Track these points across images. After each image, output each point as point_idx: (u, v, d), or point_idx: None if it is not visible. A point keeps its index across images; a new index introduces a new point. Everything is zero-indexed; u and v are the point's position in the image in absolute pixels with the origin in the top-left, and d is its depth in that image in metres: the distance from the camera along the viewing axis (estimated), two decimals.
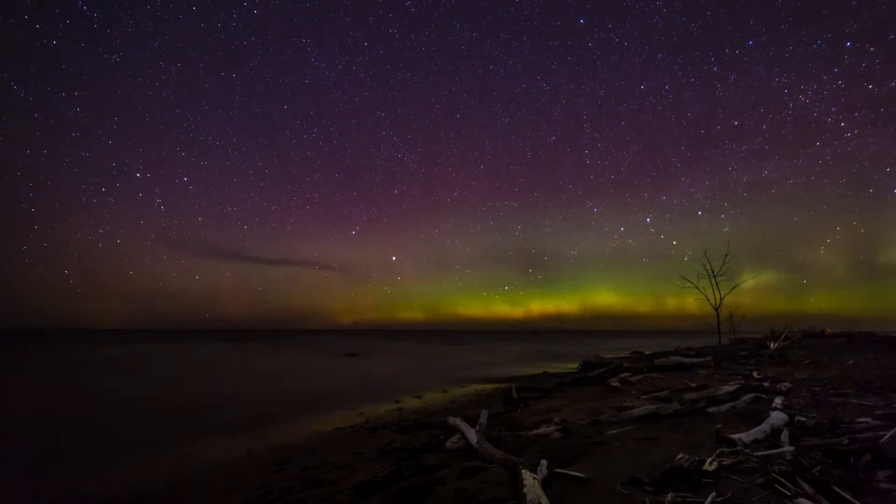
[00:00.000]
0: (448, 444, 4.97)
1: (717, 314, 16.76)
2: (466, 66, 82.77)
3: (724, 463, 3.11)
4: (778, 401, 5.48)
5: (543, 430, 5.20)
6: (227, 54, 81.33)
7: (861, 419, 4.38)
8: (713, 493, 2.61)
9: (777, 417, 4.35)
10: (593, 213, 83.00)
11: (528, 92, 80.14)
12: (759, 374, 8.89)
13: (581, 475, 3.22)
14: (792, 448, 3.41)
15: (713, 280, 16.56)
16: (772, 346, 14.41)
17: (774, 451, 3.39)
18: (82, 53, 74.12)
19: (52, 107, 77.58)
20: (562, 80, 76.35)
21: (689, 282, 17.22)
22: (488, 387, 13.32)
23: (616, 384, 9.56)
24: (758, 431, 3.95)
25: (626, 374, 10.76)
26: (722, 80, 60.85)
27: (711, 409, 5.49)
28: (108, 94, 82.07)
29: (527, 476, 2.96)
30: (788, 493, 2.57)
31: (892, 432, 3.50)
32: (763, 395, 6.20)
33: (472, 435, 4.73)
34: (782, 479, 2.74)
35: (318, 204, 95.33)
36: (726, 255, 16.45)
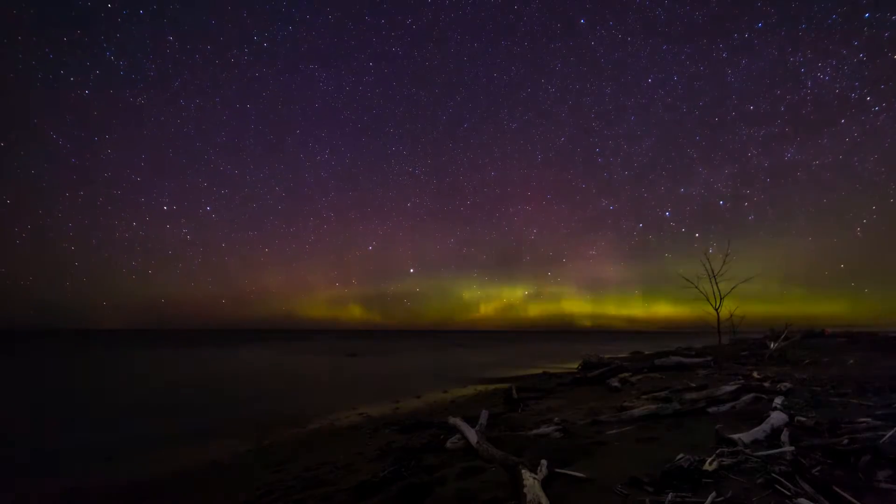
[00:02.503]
0: (448, 444, 4.96)
1: (717, 314, 16.78)
2: (470, 76, 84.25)
3: (724, 463, 3.11)
4: (778, 401, 5.48)
5: (543, 430, 5.20)
6: (240, 87, 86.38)
7: (861, 419, 4.38)
8: (713, 493, 2.61)
9: (777, 417, 4.35)
10: (609, 210, 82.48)
11: (534, 95, 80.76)
12: (759, 374, 8.88)
13: (581, 475, 3.22)
14: (792, 448, 3.41)
15: (713, 280, 16.58)
16: (772, 346, 14.39)
17: (774, 451, 3.39)
18: (111, 99, 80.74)
19: (86, 151, 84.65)
20: (566, 81, 76.75)
21: (690, 282, 17.24)
22: (488, 387, 13.32)
23: (616, 384, 9.55)
24: (758, 431, 3.95)
25: (626, 374, 10.75)
26: (732, 65, 59.93)
27: (711, 409, 5.49)
28: (135, 134, 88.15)
29: (527, 476, 2.96)
30: (788, 493, 2.57)
31: (892, 432, 3.50)
32: (763, 395, 6.19)
33: (472, 435, 4.73)
34: (782, 479, 2.74)
35: (335, 222, 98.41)
36: (726, 255, 16.48)
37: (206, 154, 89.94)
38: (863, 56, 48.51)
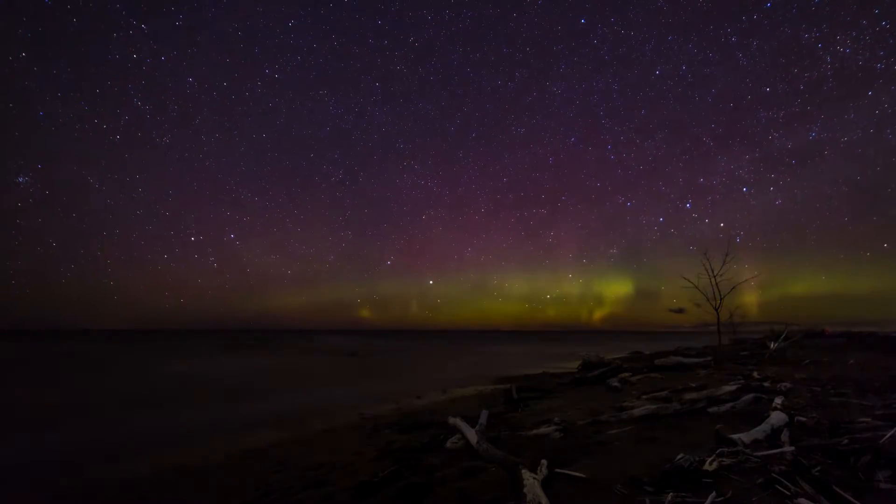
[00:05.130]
0: (448, 444, 4.97)
1: (717, 314, 16.76)
2: (475, 86, 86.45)
3: (724, 463, 3.11)
4: (778, 401, 5.48)
5: (543, 430, 5.20)
6: (255, 118, 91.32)
7: (861, 419, 4.38)
8: (713, 493, 2.61)
9: (777, 417, 4.35)
10: (627, 207, 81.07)
11: (540, 99, 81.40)
12: (759, 374, 8.89)
13: (581, 475, 3.22)
14: (792, 448, 3.41)
15: (713, 280, 16.57)
16: (772, 346, 14.40)
17: (774, 451, 3.39)
18: (139, 141, 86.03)
19: (120, 192, 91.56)
20: (572, 82, 77.10)
21: (689, 282, 17.23)
22: (488, 387, 13.31)
23: (616, 384, 9.55)
24: (758, 431, 3.94)
25: (626, 374, 10.75)
26: (743, 48, 57.38)
27: (711, 409, 5.49)
28: (162, 172, 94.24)
29: (527, 476, 2.96)
30: (788, 493, 2.57)
31: (892, 432, 3.49)
32: (763, 395, 6.19)
33: (472, 435, 4.73)
34: (782, 479, 2.74)
35: (352, 240, 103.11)
36: (727, 255, 16.46)
37: (227, 184, 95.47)
38: (885, 24, 45.74)
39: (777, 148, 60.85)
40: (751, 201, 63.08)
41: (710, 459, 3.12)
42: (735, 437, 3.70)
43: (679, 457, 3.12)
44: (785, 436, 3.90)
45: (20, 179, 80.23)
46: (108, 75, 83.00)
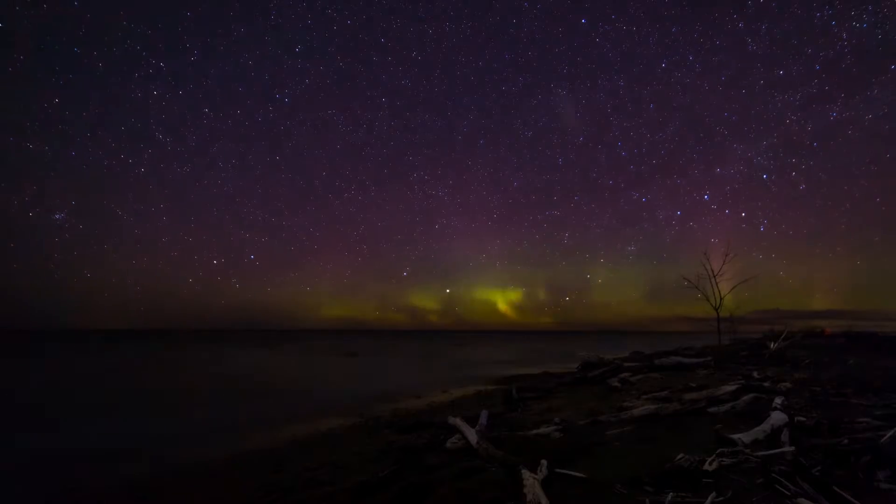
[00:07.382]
0: (448, 444, 4.96)
1: (718, 314, 16.76)
2: (479, 94, 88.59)
3: (724, 463, 3.12)
4: (778, 401, 5.48)
5: (543, 430, 5.20)
6: (269, 142, 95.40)
7: (861, 419, 4.38)
8: (713, 493, 2.61)
9: (777, 417, 4.35)
10: (642, 203, 79.53)
11: (545, 101, 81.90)
12: (759, 374, 8.88)
13: (581, 475, 3.22)
14: (792, 448, 3.41)
15: (713, 280, 16.58)
16: (772, 346, 14.38)
17: (774, 451, 3.39)
18: (161, 173, 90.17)
19: (146, 221, 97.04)
20: (577, 82, 77.23)
21: (689, 282, 17.24)
22: (488, 387, 13.32)
23: (616, 384, 9.55)
24: (758, 431, 3.95)
25: (626, 374, 10.75)
26: (752, 33, 55.57)
27: (711, 409, 5.49)
28: (184, 200, 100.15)
29: (527, 476, 2.96)
30: (788, 493, 2.57)
31: (892, 432, 3.49)
32: (763, 395, 6.19)
33: (472, 435, 4.73)
34: (782, 479, 2.74)
35: (368, 254, 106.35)
36: (726, 255, 16.48)
37: (245, 207, 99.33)
38: None
39: (796, 131, 58.01)
40: (772, 188, 60.71)
41: (710, 459, 3.12)
42: (735, 437, 3.70)
43: (679, 457, 3.12)
44: (785, 436, 3.90)
45: (57, 217, 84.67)
46: (131, 112, 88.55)
